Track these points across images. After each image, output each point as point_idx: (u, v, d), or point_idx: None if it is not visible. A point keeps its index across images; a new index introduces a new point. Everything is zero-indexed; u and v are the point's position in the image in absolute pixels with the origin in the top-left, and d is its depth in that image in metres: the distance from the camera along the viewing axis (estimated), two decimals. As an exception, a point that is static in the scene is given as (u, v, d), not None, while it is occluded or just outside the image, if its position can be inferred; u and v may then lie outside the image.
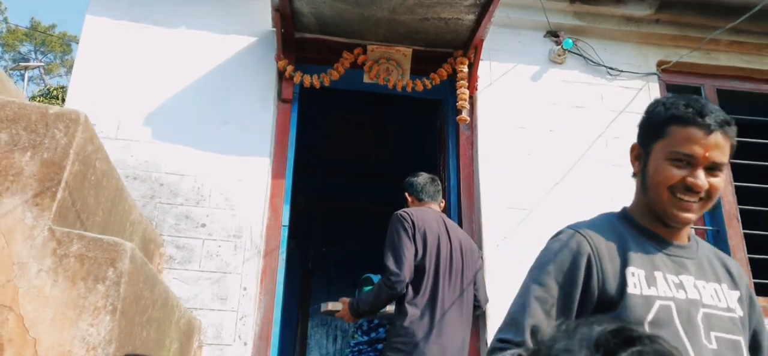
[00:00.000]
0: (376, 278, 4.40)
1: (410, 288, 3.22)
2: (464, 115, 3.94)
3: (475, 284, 3.51)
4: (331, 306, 3.72)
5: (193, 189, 3.81)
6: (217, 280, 3.64)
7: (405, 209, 3.37)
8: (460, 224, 3.99)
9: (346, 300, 3.47)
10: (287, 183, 4.01)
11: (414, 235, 3.25)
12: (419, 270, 3.23)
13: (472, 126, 4.11)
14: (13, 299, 2.15)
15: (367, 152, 6.05)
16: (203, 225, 3.74)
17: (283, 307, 3.81)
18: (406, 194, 3.63)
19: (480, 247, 3.79)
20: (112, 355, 2.13)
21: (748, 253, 4.06)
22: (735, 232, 4.09)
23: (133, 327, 2.38)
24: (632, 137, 3.99)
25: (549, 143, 4.08)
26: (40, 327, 2.13)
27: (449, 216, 4.07)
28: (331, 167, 6.41)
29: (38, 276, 2.19)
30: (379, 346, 4.16)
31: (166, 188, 3.79)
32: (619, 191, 4.03)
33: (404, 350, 3.12)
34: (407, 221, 3.28)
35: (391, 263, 3.18)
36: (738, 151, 4.17)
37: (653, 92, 4.25)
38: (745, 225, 4.14)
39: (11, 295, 2.15)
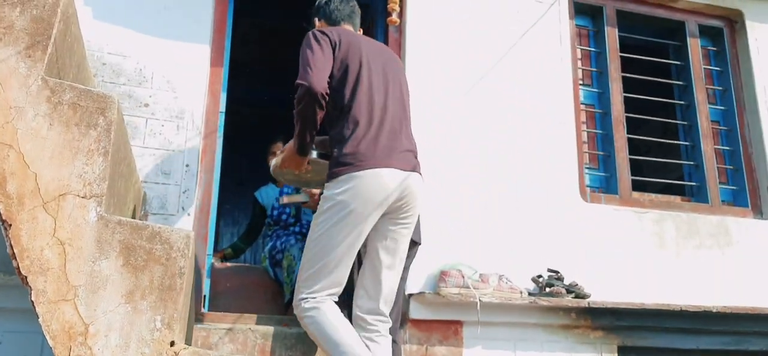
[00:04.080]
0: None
1: (347, 110, 2.98)
2: (394, 17, 4.29)
3: None
4: (276, 160, 3.32)
5: (135, 70, 3.98)
6: (161, 157, 3.88)
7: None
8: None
9: (290, 144, 3.20)
10: (225, 73, 4.23)
11: (329, 44, 3.01)
12: (348, 85, 3.00)
13: (401, 29, 4.47)
14: (13, 138, 2.36)
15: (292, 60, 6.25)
16: (146, 105, 3.94)
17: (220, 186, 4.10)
18: (316, 19, 3.43)
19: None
20: (106, 190, 2.40)
21: (630, 154, 4.78)
22: (620, 136, 4.75)
23: (115, 175, 2.64)
24: (541, 48, 4.52)
25: (469, 48, 4.52)
26: (39, 164, 2.36)
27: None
28: (255, 74, 6.57)
29: (35, 119, 2.40)
30: (291, 229, 4.54)
31: (108, 67, 3.94)
32: (527, 93, 4.56)
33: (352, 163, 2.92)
34: (322, 33, 3.05)
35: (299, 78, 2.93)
36: (629, 66, 4.83)
37: (563, 8, 4.78)
38: (629, 131, 4.83)
39: (10, 134, 2.36)
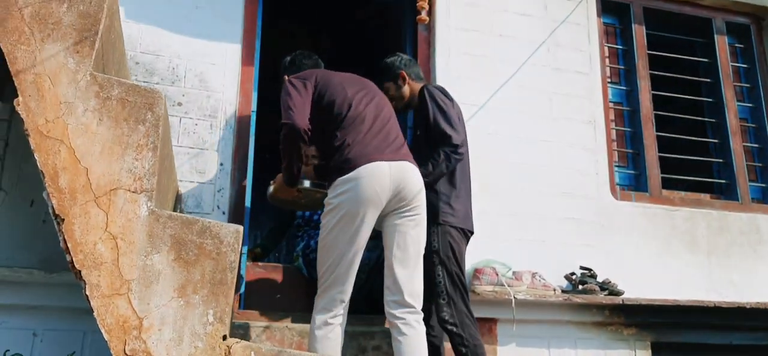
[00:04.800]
0: None
1: (336, 131, 3.15)
2: (424, 15, 4.29)
3: None
4: (271, 190, 3.62)
5: (168, 69, 3.99)
6: (195, 155, 3.88)
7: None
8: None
9: (280, 176, 3.47)
10: (255, 72, 4.24)
11: (308, 86, 3.21)
12: (334, 109, 3.18)
13: (430, 27, 4.47)
14: (63, 133, 2.37)
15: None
16: (179, 104, 3.94)
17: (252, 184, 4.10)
18: (285, 78, 3.45)
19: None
20: (155, 185, 2.40)
21: (660, 152, 4.77)
22: (650, 133, 4.74)
23: (161, 170, 2.65)
24: (572, 45, 4.51)
25: (498, 46, 4.52)
26: (90, 159, 2.37)
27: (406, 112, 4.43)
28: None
29: (84, 114, 2.41)
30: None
31: (141, 66, 3.95)
32: (557, 92, 4.55)
33: (346, 167, 3.06)
34: (297, 77, 3.27)
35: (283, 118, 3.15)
36: (657, 63, 4.81)
37: (591, 6, 4.77)
38: (657, 128, 4.82)
39: (61, 130, 2.37)
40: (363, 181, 2.98)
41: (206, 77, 4.03)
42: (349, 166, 3.02)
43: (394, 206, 3.08)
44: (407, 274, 3.06)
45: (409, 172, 3.11)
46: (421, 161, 3.36)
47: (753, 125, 5.18)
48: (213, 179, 3.87)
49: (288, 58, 3.76)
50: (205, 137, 3.94)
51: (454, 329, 3.21)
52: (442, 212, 3.38)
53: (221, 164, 3.90)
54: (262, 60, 4.38)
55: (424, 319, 3.13)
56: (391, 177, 3.03)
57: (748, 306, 4.24)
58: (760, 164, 5.08)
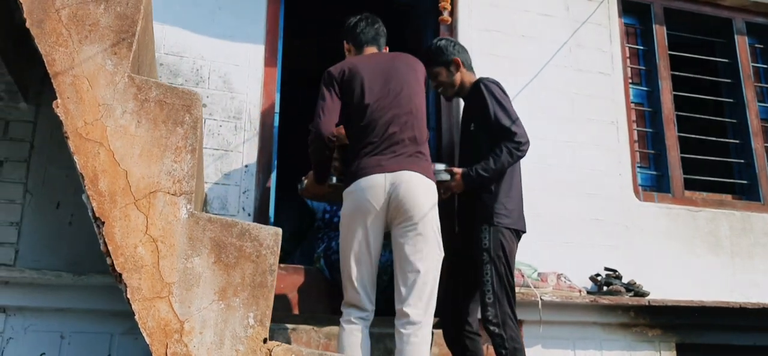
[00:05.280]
0: None
1: (351, 137, 3.29)
2: (446, 15, 4.28)
3: None
4: (303, 185, 3.73)
5: (192, 70, 3.98)
6: (220, 157, 3.88)
7: (334, 66, 3.38)
8: (438, 117, 4.37)
9: (311, 174, 3.56)
10: (278, 73, 4.23)
11: (336, 87, 3.26)
12: (353, 112, 3.25)
13: (452, 27, 4.46)
14: (102, 135, 2.36)
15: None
16: (204, 105, 3.92)
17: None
18: (345, 42, 3.61)
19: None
20: (194, 187, 2.39)
21: (681, 153, 4.76)
22: (671, 134, 4.72)
23: (197, 172, 2.63)
24: (594, 45, 4.49)
25: (520, 46, 4.51)
26: (129, 161, 2.35)
27: (427, 112, 4.40)
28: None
29: (123, 116, 2.40)
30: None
31: (165, 68, 3.94)
32: (579, 92, 4.53)
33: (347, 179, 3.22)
34: (328, 76, 3.30)
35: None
36: (678, 64, 4.79)
37: (612, 6, 4.76)
38: (680, 129, 4.82)
39: (100, 132, 2.36)
40: (360, 193, 3.10)
41: (230, 78, 4.02)
42: (352, 177, 3.16)
43: (394, 215, 3.11)
44: (406, 287, 3.06)
45: (408, 180, 3.10)
46: (475, 158, 3.39)
47: (773, 126, 5.17)
48: (238, 181, 3.86)
49: (352, 21, 3.58)
50: (230, 138, 3.93)
51: (495, 329, 3.19)
52: (495, 214, 3.34)
53: (246, 166, 3.89)
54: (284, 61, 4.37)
55: (462, 322, 3.32)
56: (386, 188, 3.08)
57: (773, 308, 4.23)
58: (782, 165, 5.06)
